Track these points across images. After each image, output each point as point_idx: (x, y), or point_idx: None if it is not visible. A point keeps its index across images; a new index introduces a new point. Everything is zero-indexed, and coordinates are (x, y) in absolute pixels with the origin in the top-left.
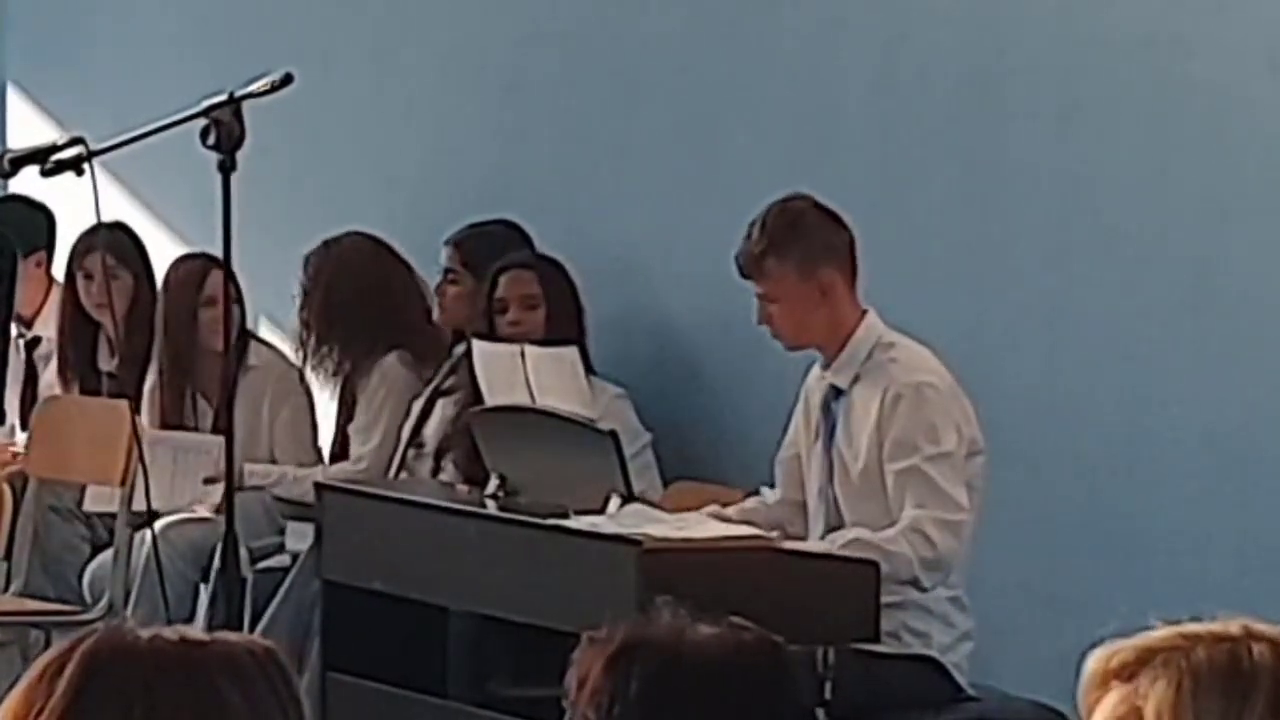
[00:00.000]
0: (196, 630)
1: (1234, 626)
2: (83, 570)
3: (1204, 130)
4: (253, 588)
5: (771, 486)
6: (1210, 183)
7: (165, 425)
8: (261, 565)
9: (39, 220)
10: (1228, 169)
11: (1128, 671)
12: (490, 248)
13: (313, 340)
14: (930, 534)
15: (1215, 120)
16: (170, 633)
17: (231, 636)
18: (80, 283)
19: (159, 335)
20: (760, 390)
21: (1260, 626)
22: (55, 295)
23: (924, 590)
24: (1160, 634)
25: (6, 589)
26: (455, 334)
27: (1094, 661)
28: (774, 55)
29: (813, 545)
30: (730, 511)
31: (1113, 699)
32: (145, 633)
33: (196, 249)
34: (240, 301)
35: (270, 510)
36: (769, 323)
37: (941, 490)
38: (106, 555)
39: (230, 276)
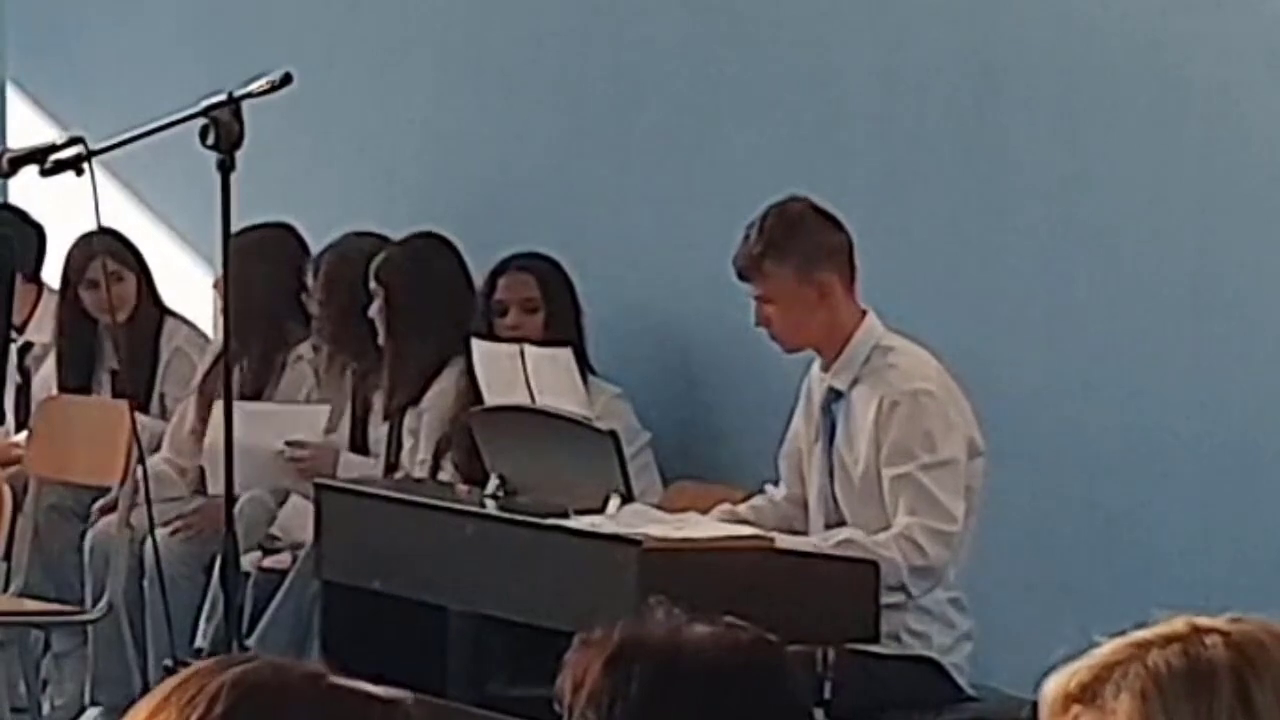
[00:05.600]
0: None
1: (1180, 624)
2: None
3: (1204, 130)
4: (253, 587)
5: (774, 484)
6: (1210, 183)
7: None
8: (261, 564)
9: (29, 236)
10: (1228, 169)
11: (1089, 692)
12: (341, 263)
13: (391, 358)
14: (921, 542)
15: (1215, 120)
16: (317, 672)
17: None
18: (84, 291)
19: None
20: (760, 390)
21: (1204, 620)
22: (45, 301)
23: (911, 597)
24: (1109, 647)
25: (6, 589)
26: None
27: (1052, 686)
28: (774, 55)
29: (804, 542)
30: (741, 509)
31: None
32: (291, 666)
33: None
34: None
35: (271, 514)
36: (767, 325)
37: (935, 499)
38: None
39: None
